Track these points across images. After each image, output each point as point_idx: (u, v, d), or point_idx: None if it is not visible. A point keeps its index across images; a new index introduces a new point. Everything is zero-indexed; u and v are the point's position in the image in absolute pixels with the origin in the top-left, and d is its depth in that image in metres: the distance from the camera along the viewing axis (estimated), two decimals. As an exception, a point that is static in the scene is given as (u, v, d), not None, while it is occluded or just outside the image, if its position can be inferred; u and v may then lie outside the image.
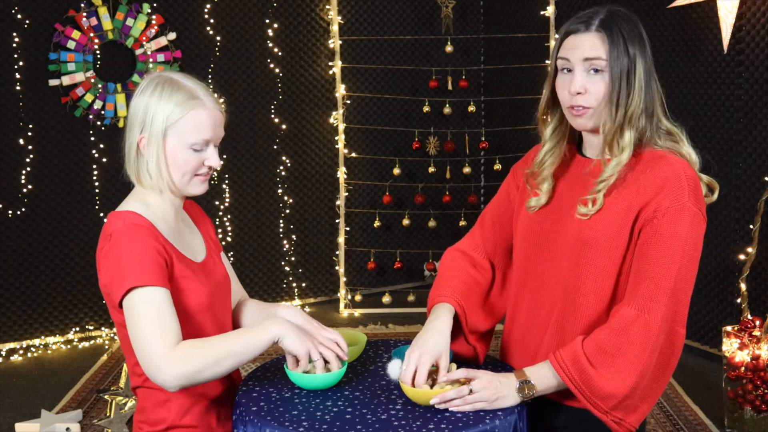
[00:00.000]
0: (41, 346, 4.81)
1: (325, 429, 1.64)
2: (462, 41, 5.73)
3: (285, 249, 5.47)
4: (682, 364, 3.99)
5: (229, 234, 5.27)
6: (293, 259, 5.49)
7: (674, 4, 4.20)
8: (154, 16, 4.91)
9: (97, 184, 4.88)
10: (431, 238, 5.74)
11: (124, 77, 4.90)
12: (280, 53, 5.29)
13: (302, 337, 1.78)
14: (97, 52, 4.82)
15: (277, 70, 5.29)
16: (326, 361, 1.82)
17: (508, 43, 5.55)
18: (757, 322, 3.50)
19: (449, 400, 1.71)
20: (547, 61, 5.09)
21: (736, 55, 4.04)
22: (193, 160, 1.83)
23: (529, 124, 5.28)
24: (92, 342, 4.90)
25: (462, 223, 5.52)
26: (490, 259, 2.05)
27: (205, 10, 5.06)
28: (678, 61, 4.32)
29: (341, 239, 5.44)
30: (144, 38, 4.89)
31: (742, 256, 3.92)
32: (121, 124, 4.85)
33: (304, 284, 5.55)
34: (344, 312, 5.38)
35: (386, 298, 5.32)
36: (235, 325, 2.10)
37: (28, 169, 4.71)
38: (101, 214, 4.87)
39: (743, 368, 3.47)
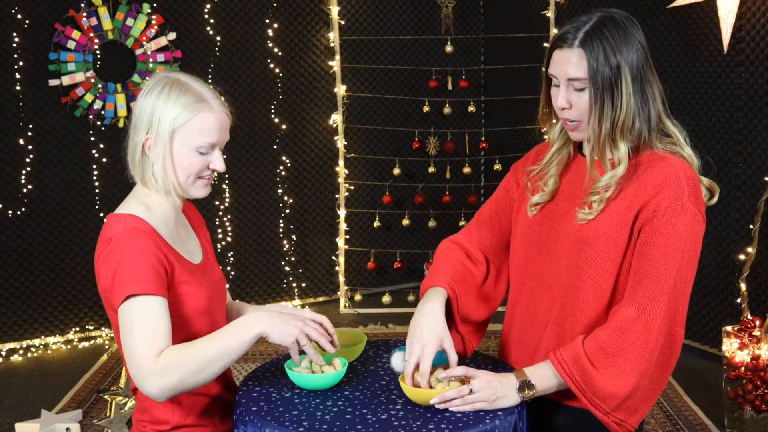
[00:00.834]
0: (41, 346, 4.81)
1: (325, 429, 1.64)
2: (462, 41, 5.73)
3: (285, 249, 5.47)
4: (682, 364, 4.00)
5: (229, 234, 5.27)
6: (293, 259, 5.49)
7: (674, 4, 4.20)
8: (154, 16, 4.91)
9: (97, 184, 4.88)
10: (431, 238, 5.74)
11: (124, 77, 4.90)
12: (280, 53, 5.29)
13: (285, 327, 1.75)
14: (97, 52, 4.82)
15: (277, 70, 5.29)
16: (323, 362, 1.82)
17: (508, 43, 5.55)
18: (757, 322, 3.50)
19: (449, 400, 1.71)
20: (547, 61, 5.09)
21: (736, 55, 4.04)
22: (198, 162, 1.82)
23: (529, 124, 5.28)
24: (92, 342, 4.90)
25: (462, 223, 5.52)
26: (485, 254, 2.05)
27: (205, 10, 5.06)
28: (678, 61, 4.31)
29: (341, 239, 5.44)
30: (144, 38, 4.89)
31: (742, 256, 3.92)
32: (121, 124, 4.85)
33: (304, 284, 5.55)
34: (344, 312, 5.38)
35: (386, 298, 5.32)
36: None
37: (28, 169, 4.71)
38: (101, 214, 4.87)
39: (743, 368, 3.47)
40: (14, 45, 4.61)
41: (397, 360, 1.86)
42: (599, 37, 1.73)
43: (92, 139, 4.85)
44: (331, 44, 5.35)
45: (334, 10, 5.29)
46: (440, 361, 1.86)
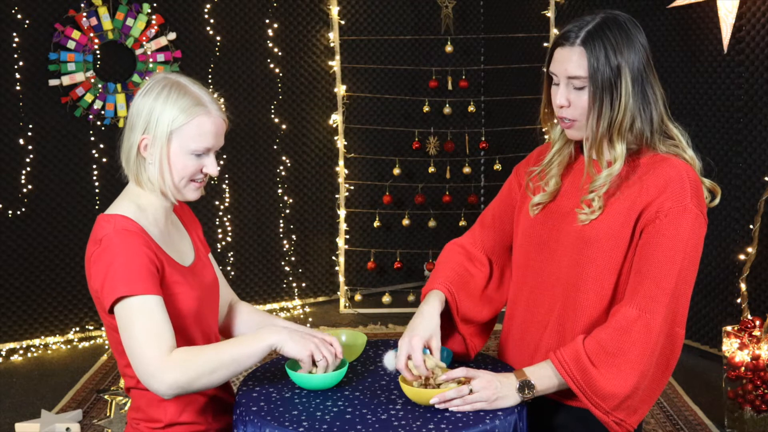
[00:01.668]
0: (41, 346, 4.81)
1: (325, 429, 1.64)
2: (462, 41, 5.73)
3: (285, 249, 5.47)
4: (682, 364, 4.00)
5: (229, 234, 5.27)
6: (293, 259, 5.49)
7: (674, 4, 4.20)
8: (154, 16, 4.91)
9: (97, 184, 4.88)
10: (431, 238, 5.74)
11: (124, 77, 4.90)
12: (280, 53, 5.29)
13: (301, 341, 1.77)
14: (97, 52, 4.82)
15: (277, 70, 5.29)
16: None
17: (508, 43, 5.55)
18: (757, 322, 3.50)
19: (449, 400, 1.71)
20: (547, 61, 5.09)
21: (736, 55, 4.04)
22: (192, 166, 1.83)
23: (529, 124, 5.28)
24: (92, 342, 4.90)
25: (462, 223, 5.52)
26: (488, 255, 2.06)
27: (205, 10, 5.06)
28: (678, 61, 4.32)
29: (341, 239, 5.44)
30: (144, 38, 4.89)
31: (742, 256, 3.92)
32: (121, 124, 4.85)
33: (304, 284, 5.55)
34: (344, 312, 5.38)
35: (386, 298, 5.32)
36: (228, 329, 2.10)
37: (28, 169, 4.71)
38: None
39: (743, 368, 3.47)
40: (14, 45, 4.61)
41: (388, 358, 1.87)
42: (601, 37, 1.74)
43: (92, 139, 4.85)
44: (331, 44, 5.35)
45: (334, 10, 5.29)
46: (445, 360, 1.86)
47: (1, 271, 4.69)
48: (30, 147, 4.70)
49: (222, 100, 5.10)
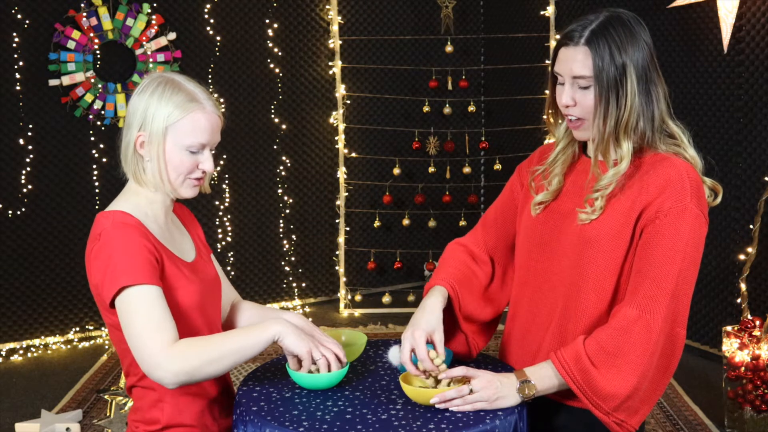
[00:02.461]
0: (41, 346, 4.81)
1: (326, 429, 1.64)
2: (462, 41, 5.73)
3: (285, 249, 5.47)
4: (682, 364, 3.99)
5: (229, 234, 5.27)
6: (293, 259, 5.49)
7: (674, 4, 4.20)
8: (154, 16, 4.91)
9: (97, 184, 4.88)
10: (431, 238, 5.74)
11: (124, 77, 4.90)
12: (280, 53, 5.29)
13: (303, 337, 1.78)
14: (97, 52, 4.82)
15: (277, 70, 5.29)
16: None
17: (508, 43, 5.56)
18: (757, 322, 3.50)
19: (449, 400, 1.71)
20: (547, 61, 5.09)
21: (736, 55, 4.04)
22: (189, 162, 1.83)
23: (529, 124, 5.28)
24: (92, 342, 4.90)
25: (462, 223, 5.52)
26: (491, 255, 2.06)
27: (205, 10, 5.06)
28: (678, 61, 4.32)
29: (341, 239, 5.44)
30: (144, 38, 4.89)
31: (742, 256, 3.92)
32: (121, 124, 4.84)
33: (304, 284, 5.55)
34: (344, 312, 5.38)
35: (386, 298, 5.32)
36: (231, 326, 2.10)
37: (28, 169, 4.71)
38: (101, 214, 4.87)
39: (743, 368, 3.47)
40: (14, 45, 4.61)
41: (393, 353, 1.88)
42: (605, 35, 1.74)
43: (92, 139, 4.85)
44: (331, 44, 5.35)
45: (334, 11, 5.29)
46: (447, 359, 1.86)
47: (1, 271, 4.69)
48: (30, 147, 4.70)
49: (222, 100, 5.10)
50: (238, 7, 5.16)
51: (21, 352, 4.74)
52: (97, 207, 4.87)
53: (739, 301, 3.94)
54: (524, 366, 1.81)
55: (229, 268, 5.28)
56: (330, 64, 5.38)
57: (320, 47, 5.39)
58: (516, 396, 1.73)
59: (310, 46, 5.38)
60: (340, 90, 5.35)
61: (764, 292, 4.00)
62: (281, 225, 5.44)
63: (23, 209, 4.71)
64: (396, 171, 5.38)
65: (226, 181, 5.22)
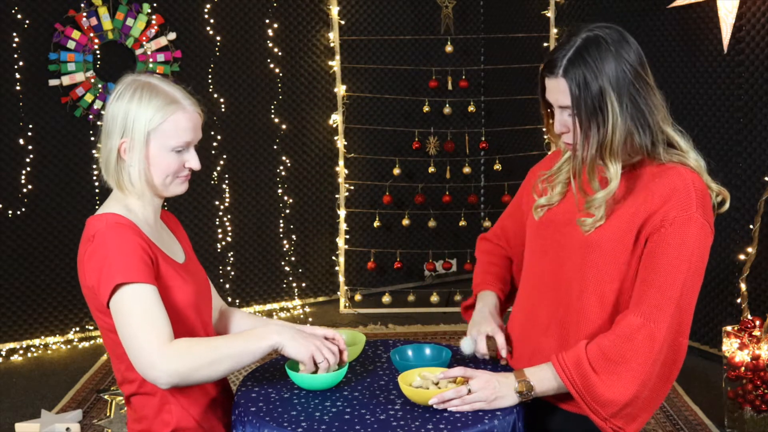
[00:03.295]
0: (41, 346, 4.81)
1: (324, 429, 1.64)
2: (462, 41, 5.72)
3: (285, 249, 5.47)
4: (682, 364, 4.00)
5: (229, 234, 5.27)
6: (293, 259, 5.49)
7: (674, 4, 4.20)
8: (154, 16, 4.91)
9: (97, 184, 4.88)
10: (431, 238, 5.74)
11: (124, 77, 4.89)
12: (280, 53, 5.29)
13: (303, 341, 1.77)
14: (97, 52, 4.82)
15: (277, 70, 5.29)
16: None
17: (508, 43, 5.55)
18: (757, 322, 3.49)
19: (448, 400, 1.71)
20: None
21: (736, 55, 4.04)
22: (175, 162, 1.84)
23: (529, 124, 5.28)
24: (92, 342, 4.90)
25: (462, 223, 5.51)
26: (508, 254, 2.18)
27: (205, 10, 5.06)
28: (678, 61, 4.31)
29: (341, 239, 5.43)
30: (144, 38, 4.89)
31: (742, 256, 3.92)
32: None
33: (304, 284, 5.55)
34: (344, 312, 5.38)
35: (386, 298, 5.32)
36: (224, 331, 2.09)
37: (28, 169, 4.71)
38: (101, 214, 4.87)
39: (743, 368, 3.46)
40: (14, 45, 4.61)
41: (466, 343, 1.99)
42: (579, 63, 1.72)
43: (92, 139, 4.85)
44: (331, 44, 5.35)
45: (334, 10, 5.29)
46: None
47: (1, 271, 4.69)
48: (30, 147, 4.70)
49: (222, 100, 5.10)
50: (238, 7, 5.16)
51: (21, 352, 4.74)
52: (97, 207, 4.86)
53: (739, 301, 3.94)
54: (520, 366, 1.81)
55: (229, 268, 5.28)
56: (330, 63, 5.38)
57: (320, 47, 5.39)
58: (514, 396, 1.74)
59: (310, 45, 5.38)
60: (340, 90, 5.35)
61: (764, 292, 4.00)
62: (281, 225, 5.44)
63: (23, 209, 4.71)
64: (396, 171, 5.38)
65: (226, 181, 5.22)
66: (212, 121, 5.07)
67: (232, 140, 5.18)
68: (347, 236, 5.49)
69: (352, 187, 5.50)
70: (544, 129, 1.99)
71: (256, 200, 5.34)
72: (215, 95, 5.06)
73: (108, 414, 3.76)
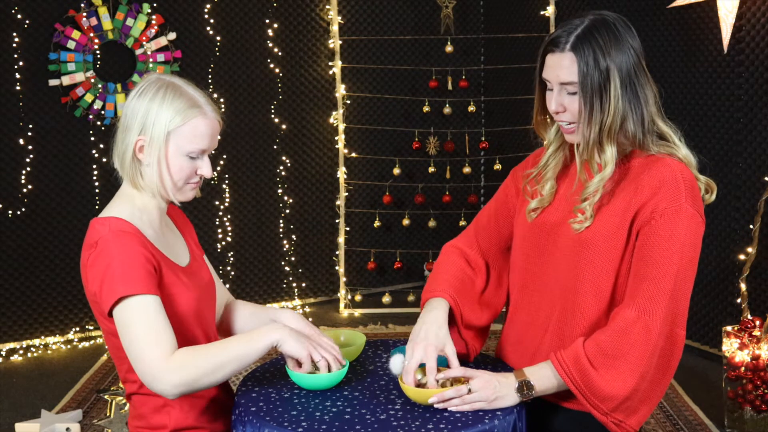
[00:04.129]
0: (41, 346, 4.81)
1: (324, 429, 1.64)
2: (462, 41, 5.72)
3: (285, 249, 5.47)
4: (682, 364, 3.97)
5: (229, 234, 5.27)
6: (293, 259, 5.49)
7: (674, 4, 4.20)
8: (154, 16, 4.91)
9: (97, 184, 4.88)
10: (431, 238, 5.74)
11: (124, 77, 4.90)
12: (280, 53, 5.29)
13: (301, 340, 1.77)
14: (97, 52, 4.82)
15: (277, 70, 5.29)
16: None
17: (508, 43, 5.55)
18: (757, 322, 3.49)
19: (448, 400, 1.71)
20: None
21: (736, 55, 4.04)
22: (188, 167, 1.82)
23: (529, 124, 5.26)
24: (92, 342, 4.90)
25: (462, 223, 5.51)
26: (485, 258, 2.06)
27: (205, 10, 5.06)
28: (678, 61, 4.31)
29: (341, 239, 5.44)
30: (144, 38, 4.89)
31: (742, 256, 3.92)
32: (121, 124, 4.84)
33: (304, 284, 5.55)
34: (344, 312, 5.38)
35: (386, 298, 5.32)
36: (227, 327, 2.09)
37: (28, 169, 4.71)
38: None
39: (743, 368, 3.46)
40: (14, 45, 4.61)
41: (396, 362, 1.85)
42: (590, 40, 1.73)
43: (92, 139, 4.85)
44: (331, 44, 5.35)
45: (334, 11, 5.29)
46: (441, 363, 1.86)
47: (1, 271, 4.69)
48: (30, 147, 4.70)
49: (222, 100, 5.10)
50: (238, 7, 5.16)
51: (21, 352, 4.74)
52: (97, 207, 4.87)
53: (739, 301, 3.94)
54: (522, 367, 1.81)
55: (229, 268, 5.28)
56: (330, 64, 5.38)
57: (320, 47, 5.39)
58: (515, 396, 1.74)
59: (310, 46, 5.38)
60: (340, 90, 5.35)
61: (764, 292, 4.00)
62: (281, 225, 5.44)
63: (23, 209, 4.71)
64: (396, 171, 5.38)
65: (226, 181, 5.22)
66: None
67: (232, 140, 5.18)
68: (347, 236, 5.49)
69: (352, 187, 5.50)
70: (533, 125, 1.97)
71: (256, 200, 5.34)
72: (215, 95, 5.06)
73: (108, 414, 3.76)
